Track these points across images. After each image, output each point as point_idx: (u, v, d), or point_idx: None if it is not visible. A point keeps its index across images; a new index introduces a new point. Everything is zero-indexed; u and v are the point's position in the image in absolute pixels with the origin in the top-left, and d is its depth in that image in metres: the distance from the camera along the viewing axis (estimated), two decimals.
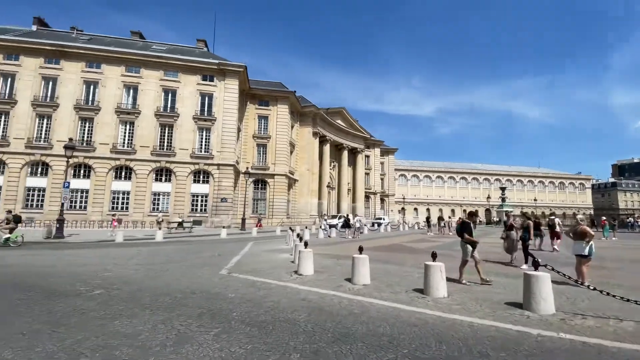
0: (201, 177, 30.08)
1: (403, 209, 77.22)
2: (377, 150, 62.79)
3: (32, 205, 26.43)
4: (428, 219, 26.35)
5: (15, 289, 6.02)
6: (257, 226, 28.11)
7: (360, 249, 6.89)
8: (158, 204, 28.96)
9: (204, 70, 30.86)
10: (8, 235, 13.22)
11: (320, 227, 20.38)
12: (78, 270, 8.06)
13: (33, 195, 26.80)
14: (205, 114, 30.44)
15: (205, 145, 30.29)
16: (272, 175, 35.71)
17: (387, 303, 5.24)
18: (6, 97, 26.73)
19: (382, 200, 65.05)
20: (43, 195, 26.79)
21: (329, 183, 44.53)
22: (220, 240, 18.10)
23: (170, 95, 30.10)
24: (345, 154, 51.69)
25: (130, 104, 29.22)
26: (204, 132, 30.42)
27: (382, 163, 65.76)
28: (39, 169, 27.06)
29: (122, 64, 29.21)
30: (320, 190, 45.39)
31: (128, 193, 28.43)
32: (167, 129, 29.65)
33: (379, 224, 34.62)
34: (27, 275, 7.38)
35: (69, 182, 18.93)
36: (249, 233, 22.14)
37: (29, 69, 27.37)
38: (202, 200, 29.89)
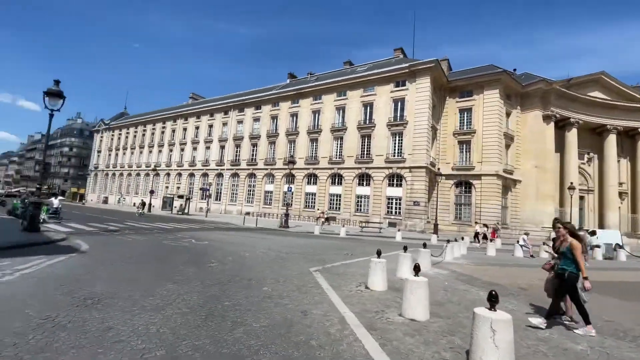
0: (395, 180, 30.91)
1: None
2: None
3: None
4: None
5: (179, 253, 9.35)
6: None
7: (417, 269, 4.88)
8: (360, 206, 32.68)
9: (396, 77, 31.81)
10: (141, 211, 28.45)
11: (518, 242, 15.17)
12: (235, 249, 11.05)
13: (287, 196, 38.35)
14: (398, 119, 31.13)
15: (398, 149, 30.90)
16: (478, 176, 30.35)
17: (376, 354, 3.51)
18: (274, 132, 40.36)
19: None
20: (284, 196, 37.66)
21: (573, 184, 31.46)
22: (387, 242, 17.90)
23: (368, 108, 33.42)
24: (612, 138, 34.65)
25: (340, 123, 35.17)
26: (396, 136, 31.15)
27: None
28: (289, 178, 38.42)
29: (334, 92, 35.92)
30: (562, 194, 33.14)
31: (339, 196, 34.18)
32: (365, 139, 33.05)
33: None
34: (204, 247, 11.07)
35: (291, 187, 25.88)
36: (428, 240, 20.17)
37: (284, 110, 39.86)
38: (396, 203, 30.59)
